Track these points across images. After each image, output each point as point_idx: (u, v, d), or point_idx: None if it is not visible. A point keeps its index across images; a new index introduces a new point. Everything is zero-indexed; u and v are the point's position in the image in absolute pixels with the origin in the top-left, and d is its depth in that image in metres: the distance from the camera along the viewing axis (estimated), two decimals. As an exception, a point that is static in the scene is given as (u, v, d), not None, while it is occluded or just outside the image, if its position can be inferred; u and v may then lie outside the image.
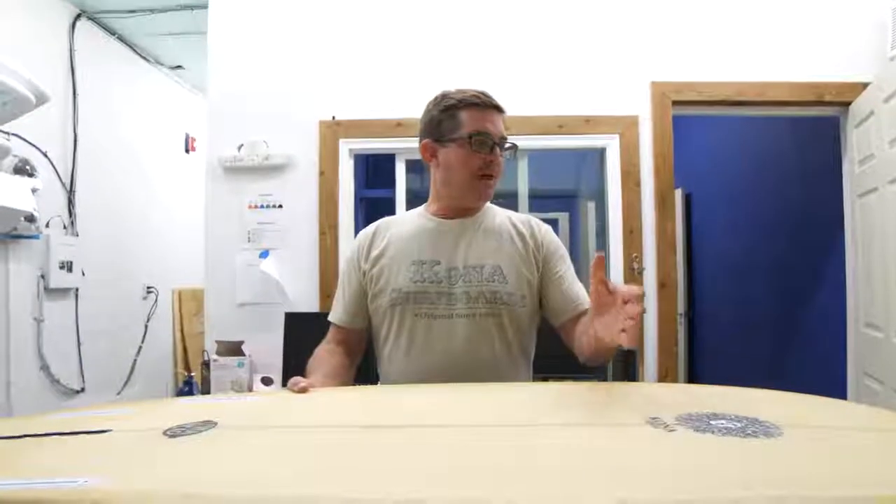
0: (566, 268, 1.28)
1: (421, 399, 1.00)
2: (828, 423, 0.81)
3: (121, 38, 3.87)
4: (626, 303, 0.88)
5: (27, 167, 2.97)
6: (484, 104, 1.22)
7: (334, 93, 2.52)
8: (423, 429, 0.78)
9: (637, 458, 0.65)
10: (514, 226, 1.29)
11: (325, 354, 1.28)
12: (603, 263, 0.94)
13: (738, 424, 0.71)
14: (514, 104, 2.46)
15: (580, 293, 1.25)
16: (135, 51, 4.02)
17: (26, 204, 2.29)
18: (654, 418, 0.75)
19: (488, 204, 1.35)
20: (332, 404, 0.99)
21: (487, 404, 0.93)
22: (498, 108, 1.24)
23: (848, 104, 2.48)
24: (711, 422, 0.73)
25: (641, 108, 2.49)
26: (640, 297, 0.87)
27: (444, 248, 1.24)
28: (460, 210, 1.28)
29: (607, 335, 0.92)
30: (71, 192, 3.42)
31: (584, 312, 1.22)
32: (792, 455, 0.64)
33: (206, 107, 2.59)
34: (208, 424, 0.80)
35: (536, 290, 1.26)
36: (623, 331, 0.87)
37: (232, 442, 0.75)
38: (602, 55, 2.52)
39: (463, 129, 1.21)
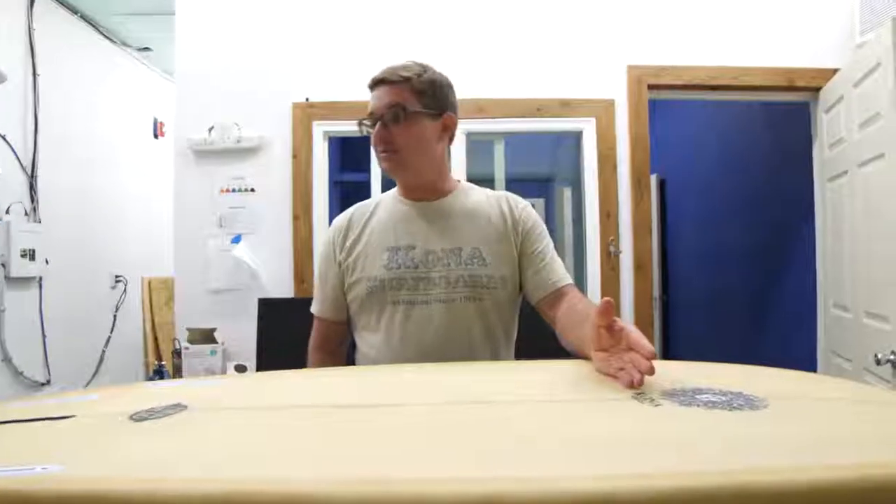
0: (545, 245, 1.25)
1: (399, 377, 0.98)
2: (810, 394, 0.81)
3: (84, 18, 3.72)
4: (631, 349, 0.80)
5: (-15, 151, 2.85)
6: (372, 84, 1.22)
7: (308, 74, 2.46)
8: (400, 407, 0.76)
9: (621, 432, 0.64)
10: (492, 204, 1.26)
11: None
12: (611, 310, 0.83)
13: (724, 398, 0.71)
14: (493, 87, 2.46)
15: (558, 270, 1.23)
16: (99, 31, 3.88)
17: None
18: (639, 394, 0.74)
19: (465, 183, 1.32)
20: (307, 385, 0.96)
21: (466, 381, 0.92)
22: (384, 81, 1.19)
23: (818, 90, 2.52)
24: (696, 396, 0.72)
25: (618, 92, 2.49)
26: (652, 355, 0.77)
27: (419, 231, 1.22)
28: (419, 189, 1.25)
29: (604, 368, 0.85)
30: (32, 178, 3.30)
31: (561, 290, 1.20)
32: (780, 424, 0.64)
33: (175, 87, 2.51)
34: (178, 407, 0.76)
35: (516, 269, 1.23)
36: (622, 369, 0.80)
37: (199, 424, 0.72)
38: (579, 38, 2.51)
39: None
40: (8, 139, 3.12)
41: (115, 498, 0.51)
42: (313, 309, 1.32)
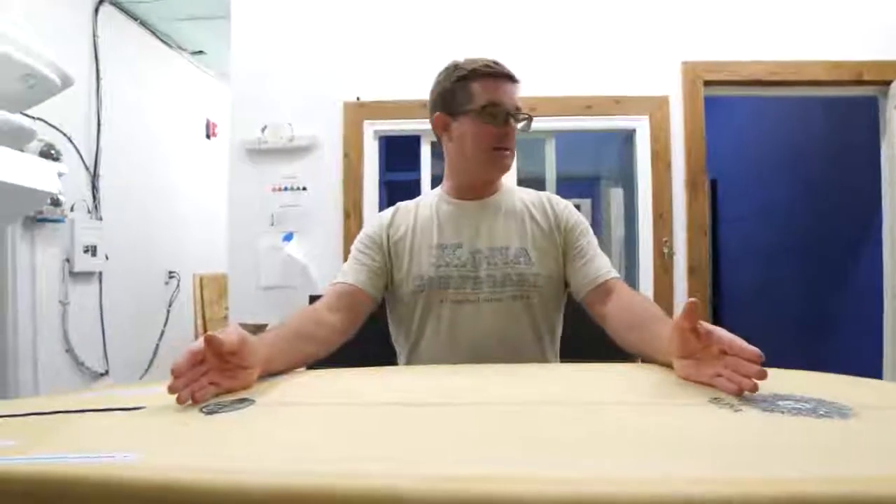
0: (588, 240, 1.23)
1: (468, 378, 0.96)
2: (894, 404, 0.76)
3: (143, 24, 3.87)
4: (724, 353, 0.74)
5: (52, 151, 2.99)
6: (496, 74, 1.17)
7: (358, 74, 2.48)
8: (474, 406, 0.75)
9: (701, 435, 0.61)
10: (535, 204, 1.25)
11: (303, 326, 1.10)
12: (696, 311, 0.76)
13: (808, 405, 0.67)
14: (542, 84, 2.43)
15: (604, 264, 1.20)
16: (157, 36, 4.02)
17: (52, 186, 2.29)
18: (716, 398, 0.71)
19: (507, 184, 1.30)
20: (367, 383, 0.96)
21: (537, 383, 0.90)
22: (511, 78, 1.18)
23: (888, 83, 2.40)
24: (778, 402, 0.68)
25: (672, 89, 2.43)
26: (759, 359, 0.70)
27: (465, 230, 1.21)
28: (477, 188, 1.24)
29: (693, 376, 0.78)
30: (94, 177, 3.44)
31: (608, 283, 1.16)
32: (875, 433, 0.60)
33: (230, 89, 2.58)
34: (245, 402, 0.78)
35: (561, 267, 1.22)
36: (718, 376, 0.73)
37: (269, 417, 0.73)
38: (632, 34, 2.46)
39: (476, 101, 1.16)
40: (73, 140, 3.27)
41: (194, 487, 0.52)
42: (340, 277, 1.20)
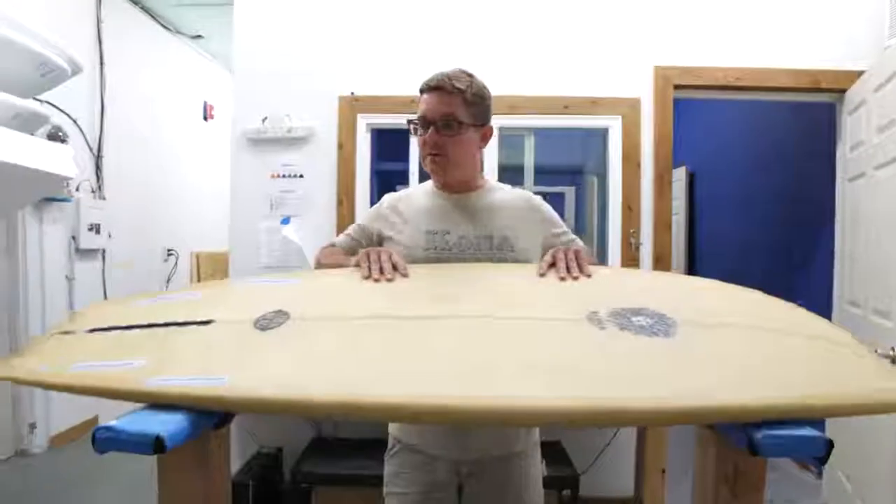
0: (563, 229, 1.41)
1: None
2: (741, 322, 0.93)
3: (144, 9, 3.98)
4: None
5: (60, 134, 3.13)
6: (426, 88, 1.31)
7: (353, 70, 2.64)
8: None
9: (566, 355, 0.85)
10: (515, 199, 1.41)
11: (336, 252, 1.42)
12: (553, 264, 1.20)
13: (650, 321, 0.89)
14: (524, 85, 2.61)
15: (578, 244, 1.38)
16: (157, 20, 4.13)
17: (68, 170, 2.45)
18: (593, 313, 0.93)
19: (492, 181, 1.47)
20: (370, 291, 1.09)
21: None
22: (440, 88, 1.29)
23: (843, 91, 2.59)
24: (633, 319, 0.90)
25: (644, 91, 2.61)
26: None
27: (453, 219, 1.36)
28: (451, 185, 1.39)
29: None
30: (98, 158, 3.59)
31: None
32: (672, 354, 0.84)
33: (232, 80, 2.73)
34: (283, 315, 0.96)
35: (540, 254, 1.34)
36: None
37: (311, 336, 0.92)
38: (608, 39, 2.62)
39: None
40: (79, 123, 3.40)
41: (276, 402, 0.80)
42: (341, 237, 1.47)
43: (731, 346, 0.86)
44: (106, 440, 0.73)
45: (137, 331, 0.96)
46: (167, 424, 0.74)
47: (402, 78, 2.56)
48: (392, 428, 1.33)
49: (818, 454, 0.67)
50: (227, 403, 0.80)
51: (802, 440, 0.67)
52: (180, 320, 0.96)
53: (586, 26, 2.63)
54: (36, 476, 2.95)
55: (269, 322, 0.95)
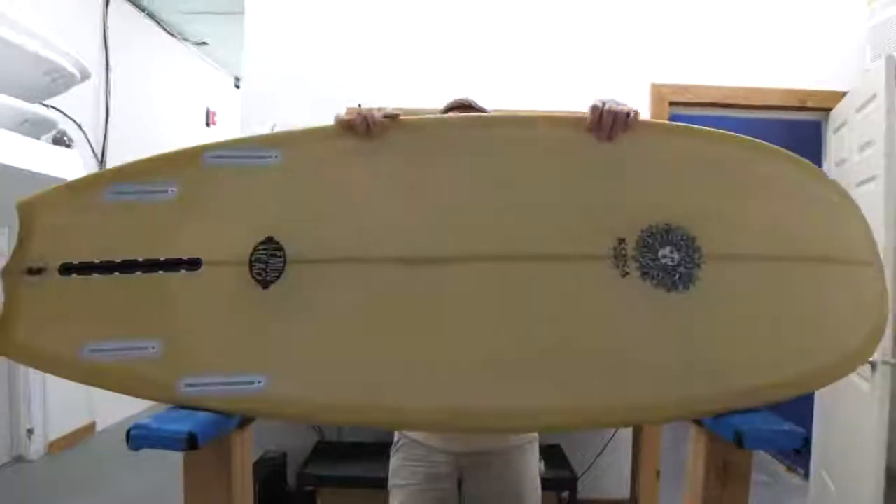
0: None
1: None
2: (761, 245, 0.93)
3: (150, 15, 4.04)
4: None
5: (65, 138, 3.17)
6: (457, 106, 1.32)
7: (361, 81, 2.69)
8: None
9: (566, 309, 0.89)
10: None
11: None
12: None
13: (674, 261, 0.89)
14: (519, 102, 2.68)
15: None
16: (163, 27, 4.19)
17: (78, 175, 2.50)
18: (620, 242, 0.90)
19: None
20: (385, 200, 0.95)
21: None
22: (468, 107, 1.31)
23: (829, 111, 2.70)
24: (658, 258, 0.89)
25: (641, 108, 2.68)
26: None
27: None
28: None
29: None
30: (102, 163, 3.64)
31: None
32: (698, 313, 0.88)
33: (241, 89, 2.80)
34: (277, 253, 0.88)
35: None
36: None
37: (310, 292, 0.88)
38: (609, 57, 2.71)
39: None
40: (83, 128, 3.45)
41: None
42: None
43: (745, 306, 0.90)
44: (140, 437, 0.77)
45: (119, 276, 0.86)
46: (197, 422, 0.79)
47: (410, 90, 2.64)
48: None
49: (796, 446, 0.75)
50: (267, 414, 0.86)
51: (782, 434, 0.75)
52: (162, 258, 0.87)
53: (587, 44, 2.72)
54: (34, 482, 2.97)
55: (265, 267, 0.87)
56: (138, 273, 0.87)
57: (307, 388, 0.83)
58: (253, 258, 0.88)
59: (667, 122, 1.01)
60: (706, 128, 1.00)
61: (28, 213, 0.88)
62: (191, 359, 0.85)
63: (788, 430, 0.75)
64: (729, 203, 0.94)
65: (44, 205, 0.89)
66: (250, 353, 0.85)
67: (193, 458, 0.84)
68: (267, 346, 0.85)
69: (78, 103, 3.32)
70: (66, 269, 0.86)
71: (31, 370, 3.16)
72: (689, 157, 0.96)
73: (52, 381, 3.21)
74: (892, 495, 1.82)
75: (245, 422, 0.89)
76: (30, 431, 3.18)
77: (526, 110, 2.65)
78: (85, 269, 0.86)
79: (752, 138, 1.00)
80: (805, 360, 0.89)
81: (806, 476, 2.92)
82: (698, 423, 0.84)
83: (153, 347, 0.83)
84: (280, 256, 0.88)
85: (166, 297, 0.86)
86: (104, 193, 0.90)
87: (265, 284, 0.86)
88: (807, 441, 0.76)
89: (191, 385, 0.83)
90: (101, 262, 0.87)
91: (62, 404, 3.28)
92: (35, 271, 0.86)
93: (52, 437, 3.28)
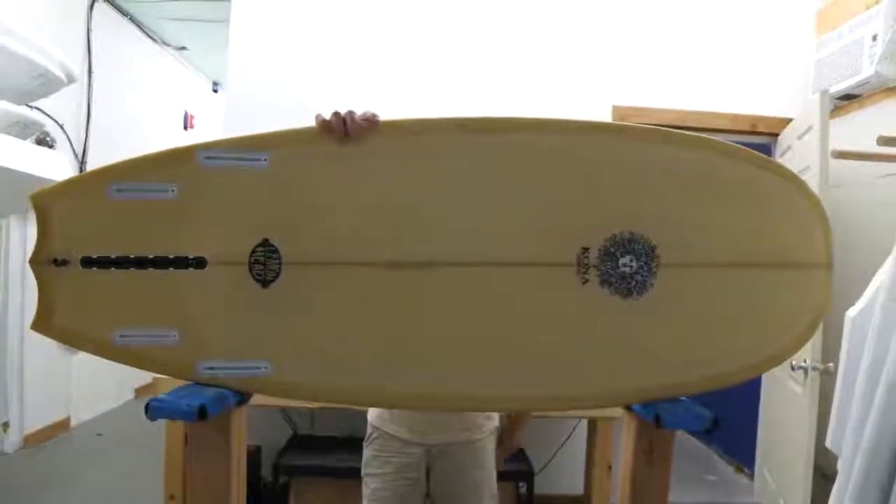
0: None
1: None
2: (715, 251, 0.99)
3: (132, 20, 4.10)
4: None
5: (48, 139, 3.23)
6: None
7: (344, 91, 2.77)
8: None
9: (530, 312, 0.98)
10: None
11: None
12: None
13: (633, 267, 0.96)
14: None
15: None
16: (144, 31, 4.25)
17: (64, 176, 2.57)
18: (584, 251, 0.96)
19: None
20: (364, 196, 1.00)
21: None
22: None
23: (776, 136, 2.93)
24: (617, 266, 0.96)
25: (603, 127, 2.88)
26: None
27: None
28: None
29: None
30: (82, 164, 3.68)
31: None
32: (639, 322, 0.98)
33: (224, 99, 2.90)
34: (273, 255, 0.95)
35: None
36: None
37: (306, 294, 0.96)
38: (574, 80, 2.88)
39: None
40: (65, 129, 3.50)
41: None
42: None
43: (690, 310, 0.98)
44: (157, 409, 0.89)
45: (135, 271, 0.93)
46: (206, 398, 0.91)
47: (394, 101, 2.76)
48: (371, 417, 1.52)
49: (704, 427, 0.91)
50: (278, 393, 0.99)
51: (693, 416, 0.91)
52: (171, 256, 0.94)
53: (553, 67, 2.89)
54: (9, 475, 3.00)
55: (263, 268, 0.94)
56: (151, 269, 0.94)
57: (306, 374, 0.97)
58: (252, 259, 0.94)
59: (647, 126, 1.09)
60: (682, 132, 1.02)
61: (44, 206, 0.94)
62: (204, 348, 0.96)
63: (699, 412, 0.91)
64: (694, 211, 0.98)
65: (57, 198, 0.95)
66: (255, 345, 0.96)
67: (199, 429, 0.96)
68: (268, 339, 0.97)
69: (59, 104, 3.36)
70: (87, 262, 0.93)
71: (7, 365, 3.20)
72: (662, 162, 0.99)
73: (29, 375, 3.26)
74: (823, 494, 1.99)
75: (241, 401, 1.01)
76: (5, 425, 3.21)
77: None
78: (103, 262, 0.93)
79: (734, 144, 1.02)
80: (733, 359, 0.99)
81: (752, 477, 3.13)
82: (629, 409, 1.00)
83: (174, 336, 0.94)
84: (276, 258, 0.95)
85: (178, 293, 0.95)
86: (107, 191, 0.95)
87: (265, 284, 0.95)
88: (716, 422, 0.91)
89: (209, 368, 0.95)
90: (117, 257, 0.93)
91: (38, 399, 3.31)
92: (61, 262, 0.92)
93: (28, 430, 3.31)
